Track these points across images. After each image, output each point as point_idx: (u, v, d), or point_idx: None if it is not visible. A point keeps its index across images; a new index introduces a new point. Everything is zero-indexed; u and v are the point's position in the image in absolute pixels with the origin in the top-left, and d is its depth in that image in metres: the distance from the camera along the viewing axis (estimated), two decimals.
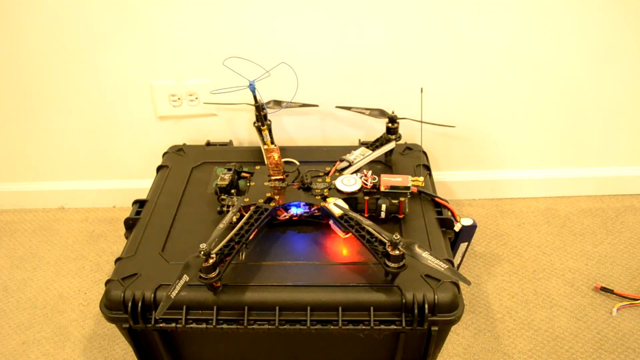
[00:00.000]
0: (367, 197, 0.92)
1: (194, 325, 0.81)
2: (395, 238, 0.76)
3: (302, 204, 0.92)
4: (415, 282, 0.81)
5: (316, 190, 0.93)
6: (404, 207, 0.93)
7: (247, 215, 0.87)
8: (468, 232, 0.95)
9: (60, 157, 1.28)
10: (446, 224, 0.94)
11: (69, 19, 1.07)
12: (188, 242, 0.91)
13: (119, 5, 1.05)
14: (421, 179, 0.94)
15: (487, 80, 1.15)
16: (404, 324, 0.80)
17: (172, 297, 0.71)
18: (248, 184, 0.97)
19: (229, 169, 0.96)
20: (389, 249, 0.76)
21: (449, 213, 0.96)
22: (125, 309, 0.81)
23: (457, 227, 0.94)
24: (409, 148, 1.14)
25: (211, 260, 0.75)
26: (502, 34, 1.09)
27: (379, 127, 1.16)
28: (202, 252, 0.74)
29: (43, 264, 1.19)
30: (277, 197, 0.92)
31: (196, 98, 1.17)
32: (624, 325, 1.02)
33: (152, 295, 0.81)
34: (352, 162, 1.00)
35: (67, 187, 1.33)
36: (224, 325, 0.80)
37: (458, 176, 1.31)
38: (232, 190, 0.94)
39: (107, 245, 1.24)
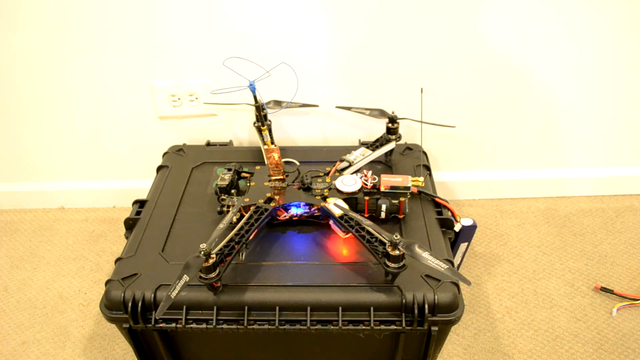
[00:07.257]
0: (367, 197, 0.92)
1: (194, 325, 0.81)
2: (395, 238, 0.75)
3: (302, 204, 0.91)
4: (415, 282, 0.81)
5: (316, 191, 0.93)
6: (404, 207, 0.93)
7: (247, 216, 0.87)
8: (468, 232, 0.95)
9: (60, 157, 1.28)
10: (446, 224, 0.94)
11: (68, 19, 1.07)
12: (188, 242, 0.91)
13: (118, 4, 1.05)
14: (421, 179, 0.94)
15: (487, 80, 1.15)
16: (404, 324, 0.80)
17: (172, 297, 0.71)
18: (248, 184, 0.97)
19: (229, 169, 0.96)
20: (389, 249, 0.76)
21: (449, 213, 0.96)
22: (125, 309, 0.81)
23: (457, 227, 0.94)
24: (409, 148, 1.14)
25: (211, 261, 0.75)
26: (503, 35, 1.09)
27: (379, 127, 1.16)
28: (202, 252, 0.74)
29: (43, 264, 1.19)
30: (277, 197, 0.92)
31: (196, 98, 1.17)
32: (624, 326, 1.02)
33: (152, 295, 0.81)
34: (352, 162, 1.00)
35: (67, 187, 1.33)
36: (224, 325, 0.80)
37: (458, 176, 1.31)
38: (232, 191, 0.94)
39: (107, 245, 1.24)
